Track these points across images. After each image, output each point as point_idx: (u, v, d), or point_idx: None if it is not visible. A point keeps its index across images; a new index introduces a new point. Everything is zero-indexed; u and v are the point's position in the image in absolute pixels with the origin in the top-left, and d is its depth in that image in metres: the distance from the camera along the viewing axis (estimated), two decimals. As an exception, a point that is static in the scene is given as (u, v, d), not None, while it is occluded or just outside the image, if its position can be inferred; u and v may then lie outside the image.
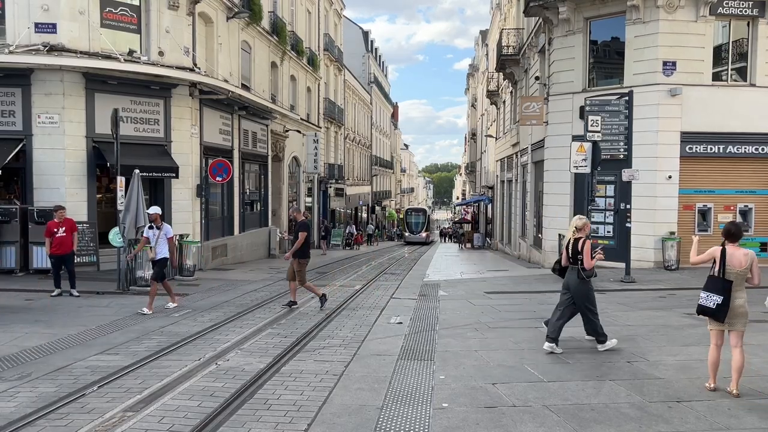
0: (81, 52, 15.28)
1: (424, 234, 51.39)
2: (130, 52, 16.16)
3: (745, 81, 17.31)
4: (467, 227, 48.58)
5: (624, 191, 15.53)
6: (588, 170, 14.40)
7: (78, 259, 13.38)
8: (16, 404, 5.84)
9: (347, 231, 37.72)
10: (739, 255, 5.92)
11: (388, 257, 29.70)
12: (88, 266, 15.33)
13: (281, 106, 25.44)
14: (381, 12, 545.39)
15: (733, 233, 5.99)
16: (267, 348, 8.25)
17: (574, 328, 9.42)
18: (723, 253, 5.92)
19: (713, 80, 17.06)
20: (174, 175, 16.82)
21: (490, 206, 41.33)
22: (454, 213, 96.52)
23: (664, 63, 16.68)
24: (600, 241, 17.23)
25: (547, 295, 13.17)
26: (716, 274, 5.95)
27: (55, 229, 12.32)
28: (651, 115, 16.52)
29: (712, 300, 5.93)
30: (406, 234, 51.77)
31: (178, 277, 15.61)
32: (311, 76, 32.51)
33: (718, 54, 17.30)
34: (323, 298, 11.54)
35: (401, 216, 64.53)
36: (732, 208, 17.20)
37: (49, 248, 12.40)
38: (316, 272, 18.73)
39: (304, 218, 12.08)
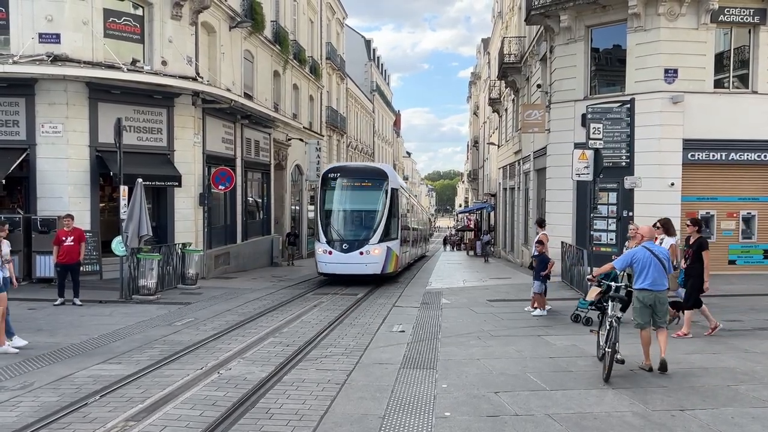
0: (84, 62, 15.37)
1: (376, 251, 16.93)
2: (134, 62, 16.25)
3: (747, 88, 17.34)
4: (470, 234, 47.74)
5: (626, 199, 15.53)
6: (590, 178, 14.39)
7: (81, 268, 13.39)
8: (18, 414, 5.84)
9: None
10: None
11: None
12: (91, 275, 15.34)
13: (283, 115, 25.52)
14: (386, 20, 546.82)
15: None
16: (269, 357, 8.24)
17: (576, 336, 9.41)
18: None
19: (715, 87, 17.08)
20: (177, 183, 16.88)
21: (492, 214, 41.33)
22: (457, 221, 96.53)
23: (666, 70, 16.72)
24: (602, 249, 17.23)
25: (550, 303, 13.13)
26: None
27: (64, 238, 12.32)
28: (653, 122, 16.53)
29: None
30: (320, 250, 17.31)
31: (180, 285, 15.61)
32: (313, 85, 32.63)
33: (720, 61, 17.34)
34: None
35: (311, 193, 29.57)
36: (735, 215, 17.18)
37: (56, 257, 12.41)
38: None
39: None
